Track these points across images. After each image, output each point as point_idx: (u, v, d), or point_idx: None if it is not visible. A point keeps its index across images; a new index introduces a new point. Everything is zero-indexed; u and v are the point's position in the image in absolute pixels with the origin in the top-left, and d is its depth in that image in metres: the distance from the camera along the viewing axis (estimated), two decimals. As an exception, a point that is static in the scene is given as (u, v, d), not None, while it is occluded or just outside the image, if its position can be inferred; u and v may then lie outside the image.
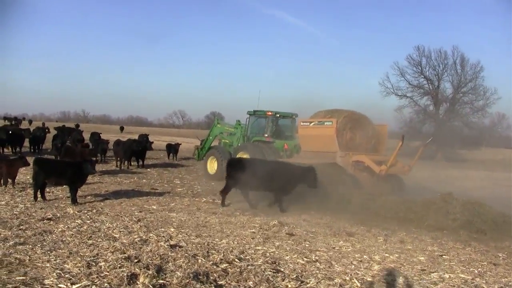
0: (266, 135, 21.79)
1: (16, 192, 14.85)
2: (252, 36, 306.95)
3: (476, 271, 8.70)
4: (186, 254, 8.42)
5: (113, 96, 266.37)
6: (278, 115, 22.29)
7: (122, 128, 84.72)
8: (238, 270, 7.68)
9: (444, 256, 9.79)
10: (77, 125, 58.07)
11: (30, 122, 79.88)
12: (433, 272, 8.34)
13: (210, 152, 24.20)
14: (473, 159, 56.41)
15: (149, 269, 7.22)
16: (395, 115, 59.03)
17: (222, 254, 8.57)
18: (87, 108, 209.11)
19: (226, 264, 7.97)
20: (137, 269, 7.21)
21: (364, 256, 9.27)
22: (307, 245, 10.05)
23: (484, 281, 8.02)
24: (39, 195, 13.61)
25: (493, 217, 13.36)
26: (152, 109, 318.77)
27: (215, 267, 7.76)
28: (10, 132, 28.59)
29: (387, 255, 9.52)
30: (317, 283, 7.32)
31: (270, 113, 22.01)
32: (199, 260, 8.05)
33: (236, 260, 8.29)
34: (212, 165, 23.38)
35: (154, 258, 8.04)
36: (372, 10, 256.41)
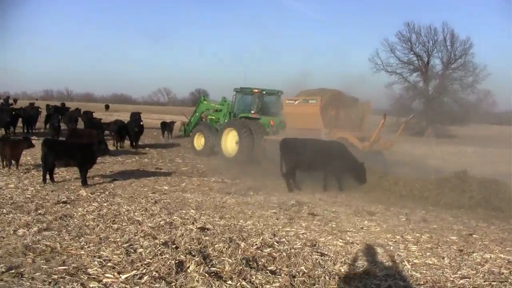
0: (253, 112, 22.07)
1: (22, 174, 14.45)
2: (238, 13, 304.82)
3: (513, 251, 8.57)
4: (223, 238, 8.18)
5: (96, 74, 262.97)
6: (264, 92, 22.60)
7: (107, 106, 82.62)
8: (285, 254, 7.47)
9: (474, 236, 9.62)
10: (63, 104, 57.03)
11: (15, 100, 77.95)
12: (472, 253, 8.16)
13: (197, 129, 24.78)
14: (462, 135, 56.61)
15: (194, 256, 6.98)
16: (385, 91, 58.99)
17: (261, 238, 8.34)
18: (70, 86, 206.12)
19: (270, 248, 7.74)
20: (182, 256, 6.97)
21: (397, 237, 9.09)
22: (334, 225, 9.87)
23: (525, 261, 7.86)
24: (48, 178, 13.25)
25: (510, 195, 13.27)
26: (136, 87, 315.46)
27: (259, 251, 7.55)
28: (14, 113, 28.17)
29: (417, 235, 9.34)
30: (368, 267, 7.11)
31: (256, 90, 22.32)
32: (241, 244, 7.81)
33: (276, 243, 8.07)
34: (199, 141, 23.98)
35: (192, 243, 7.80)
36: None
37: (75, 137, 19.72)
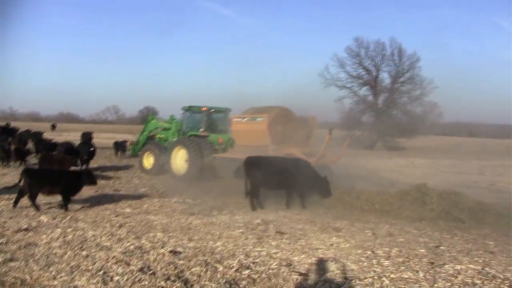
0: (202, 130, 22.30)
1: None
2: (185, 29, 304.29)
3: (480, 261, 8.79)
4: (198, 261, 8.09)
5: (41, 91, 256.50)
6: (212, 110, 22.96)
7: (53, 126, 79.76)
8: (264, 275, 7.44)
9: (441, 247, 9.82)
10: (8, 124, 54.90)
11: None
12: (443, 265, 8.32)
13: (146, 148, 24.72)
14: (411, 146, 57.98)
15: (174, 281, 6.89)
16: (336, 105, 60.06)
17: (237, 260, 8.28)
18: (14, 104, 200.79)
19: (248, 270, 7.69)
20: (161, 282, 6.86)
21: (368, 252, 9.18)
22: (303, 243, 9.87)
23: (494, 270, 8.05)
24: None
25: (469, 205, 13.72)
26: (83, 105, 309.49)
27: (239, 274, 7.49)
28: None
29: (387, 249, 9.46)
30: (349, 286, 7.14)
31: (204, 108, 22.67)
32: (219, 267, 7.73)
33: (251, 264, 8.03)
34: (148, 160, 23.95)
35: (168, 267, 7.68)
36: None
37: (48, 163, 19.01)
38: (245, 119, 19.99)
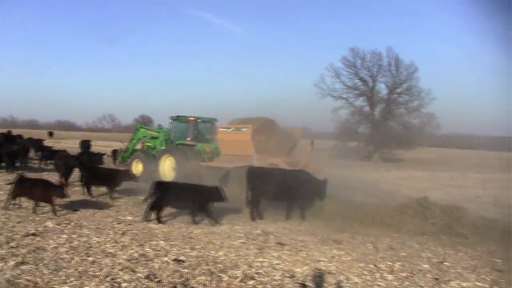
0: (189, 139, 22.70)
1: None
2: (181, 38, 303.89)
3: (488, 279, 8.85)
4: (203, 270, 8.16)
5: (40, 100, 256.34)
6: (199, 120, 23.36)
7: (51, 133, 79.30)
8: (269, 286, 7.53)
9: (445, 263, 9.89)
10: (9, 131, 54.96)
11: None
12: (449, 281, 8.40)
13: (135, 155, 25.00)
14: (408, 158, 57.79)
15: (181, 290, 6.95)
16: (332, 116, 59.75)
17: (240, 270, 8.35)
18: (14, 113, 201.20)
19: (253, 281, 7.80)
20: (169, 291, 6.92)
21: (370, 266, 9.27)
22: (305, 255, 9.97)
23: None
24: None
25: (473, 221, 13.68)
26: (80, 113, 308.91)
27: (244, 284, 7.58)
28: None
29: (389, 263, 9.53)
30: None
31: (192, 119, 23.06)
32: (223, 277, 7.80)
33: (255, 275, 8.09)
34: (137, 167, 24.06)
35: (174, 276, 7.76)
36: (303, 12, 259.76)
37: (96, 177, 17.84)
38: (230, 129, 20.45)
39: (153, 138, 25.43)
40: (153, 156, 23.62)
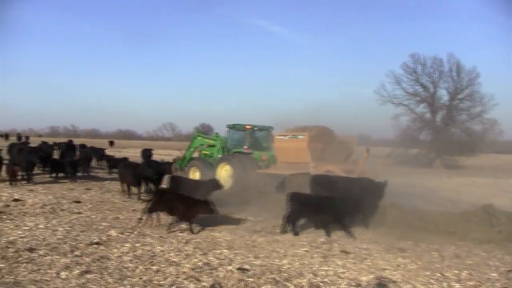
0: (245, 147, 22.61)
1: (48, 214, 14.39)
2: (240, 46, 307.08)
3: None
4: (268, 279, 8.17)
5: (101, 110, 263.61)
6: (255, 128, 23.27)
7: (111, 143, 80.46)
8: (337, 296, 7.46)
9: (515, 272, 9.57)
10: (70, 140, 56.29)
11: (28, 138, 76.08)
12: (520, 292, 8.14)
13: (192, 163, 24.89)
14: (471, 165, 56.48)
15: (248, 299, 6.97)
16: (392, 123, 59.17)
17: (306, 278, 8.32)
18: (76, 122, 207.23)
19: (319, 290, 7.74)
20: (236, 300, 6.95)
21: (437, 274, 9.09)
22: (369, 263, 9.85)
23: None
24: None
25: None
26: (141, 122, 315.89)
27: (311, 293, 7.54)
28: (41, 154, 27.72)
29: (456, 271, 9.32)
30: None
31: (248, 127, 22.99)
32: (289, 286, 7.79)
33: (321, 284, 8.05)
34: (194, 176, 23.89)
35: (239, 285, 7.79)
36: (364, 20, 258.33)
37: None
38: (287, 137, 20.73)
39: (210, 146, 25.56)
40: (210, 164, 23.60)
